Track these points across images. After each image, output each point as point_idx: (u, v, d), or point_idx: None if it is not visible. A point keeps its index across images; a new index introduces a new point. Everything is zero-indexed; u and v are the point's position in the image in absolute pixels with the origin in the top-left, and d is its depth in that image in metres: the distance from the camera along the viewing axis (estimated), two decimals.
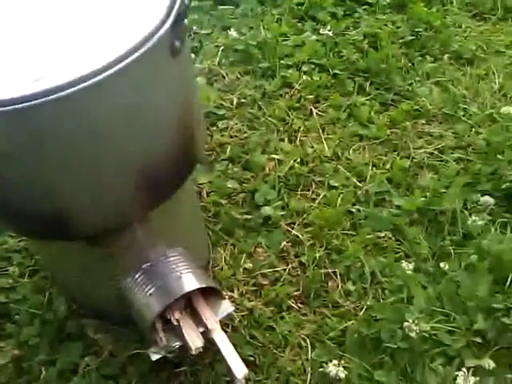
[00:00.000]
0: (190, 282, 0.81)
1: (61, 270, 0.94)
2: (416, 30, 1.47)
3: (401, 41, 1.45)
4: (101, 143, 0.60)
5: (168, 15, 0.58)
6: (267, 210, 1.09)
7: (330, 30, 1.44)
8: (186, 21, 0.60)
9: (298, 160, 1.18)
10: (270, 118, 1.26)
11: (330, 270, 1.01)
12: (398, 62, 1.38)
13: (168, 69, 0.62)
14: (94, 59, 0.53)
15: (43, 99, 0.51)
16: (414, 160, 1.17)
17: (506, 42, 1.46)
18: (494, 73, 1.37)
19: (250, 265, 1.02)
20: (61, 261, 0.89)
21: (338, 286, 0.99)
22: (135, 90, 0.57)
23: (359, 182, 1.14)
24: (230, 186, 1.14)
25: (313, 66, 1.38)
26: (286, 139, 1.23)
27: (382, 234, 1.05)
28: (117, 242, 0.80)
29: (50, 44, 0.56)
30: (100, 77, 0.52)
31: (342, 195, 1.11)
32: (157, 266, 0.83)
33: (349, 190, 1.13)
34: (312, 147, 1.21)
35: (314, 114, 1.29)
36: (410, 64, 1.40)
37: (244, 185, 1.15)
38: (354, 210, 1.09)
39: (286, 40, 1.45)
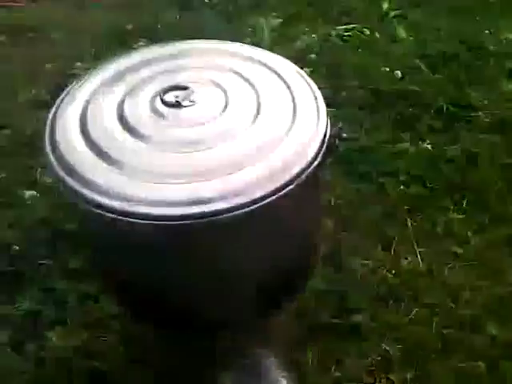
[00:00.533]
0: None
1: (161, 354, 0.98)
2: None
3: (499, 162, 1.46)
4: (239, 264, 0.65)
5: (318, 152, 0.64)
6: (357, 318, 1.09)
7: (428, 144, 1.49)
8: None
9: (392, 270, 1.19)
10: (363, 223, 1.29)
11: None
12: (495, 184, 1.39)
13: (310, 197, 0.67)
14: (251, 188, 0.59)
15: (200, 220, 0.57)
16: (511, 289, 1.15)
17: None
18: None
19: (339, 374, 1.01)
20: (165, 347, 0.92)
21: None
22: (284, 217, 0.63)
23: (453, 303, 1.13)
24: (319, 285, 1.15)
25: (409, 177, 1.41)
26: (380, 246, 1.25)
27: (475, 364, 1.03)
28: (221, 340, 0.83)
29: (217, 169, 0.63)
30: (253, 207, 0.58)
31: (436, 316, 1.10)
32: (260, 366, 0.85)
33: (442, 311, 1.11)
34: (406, 259, 1.22)
35: (409, 224, 1.30)
36: (507, 186, 1.41)
37: (334, 286, 1.16)
38: (446, 333, 1.08)
39: (385, 147, 1.50)
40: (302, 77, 0.76)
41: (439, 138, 1.53)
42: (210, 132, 0.67)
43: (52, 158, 0.65)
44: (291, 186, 0.60)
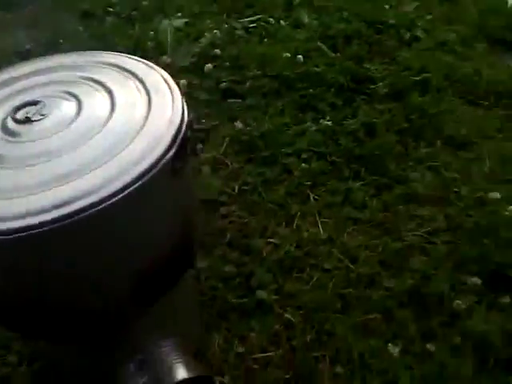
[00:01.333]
0: (180, 371, 0.86)
1: (56, 361, 1.00)
2: (411, 117, 1.56)
3: (396, 128, 1.53)
4: (104, 258, 0.69)
5: (172, 144, 0.68)
6: (262, 294, 1.14)
7: (329, 121, 1.55)
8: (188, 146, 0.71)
9: (294, 244, 1.25)
10: (269, 204, 1.35)
11: (319, 353, 1.04)
12: (392, 149, 1.46)
13: (168, 187, 0.71)
14: (106, 186, 0.63)
15: (62, 223, 0.61)
16: (405, 242, 1.22)
17: (497, 126, 1.53)
18: (484, 156, 1.43)
19: (243, 349, 1.06)
20: (56, 352, 0.95)
21: (326, 369, 1.02)
22: (142, 210, 0.67)
23: (352, 264, 1.19)
24: (227, 269, 1.20)
25: (311, 154, 1.48)
26: (284, 224, 1.31)
27: (372, 316, 1.09)
28: (114, 336, 0.86)
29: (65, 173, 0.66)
30: (112, 200, 0.62)
31: (334, 278, 1.16)
32: (150, 357, 0.88)
33: (341, 273, 1.17)
34: (308, 231, 1.28)
35: (311, 198, 1.36)
36: (404, 150, 1.48)
37: (241, 268, 1.21)
38: (345, 292, 1.14)
39: (288, 129, 1.56)
40: (162, 76, 0.80)
41: (339, 114, 1.60)
42: (58, 142, 0.70)
43: None
44: (144, 179, 0.64)
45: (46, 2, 2.26)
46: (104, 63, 0.86)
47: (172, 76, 1.78)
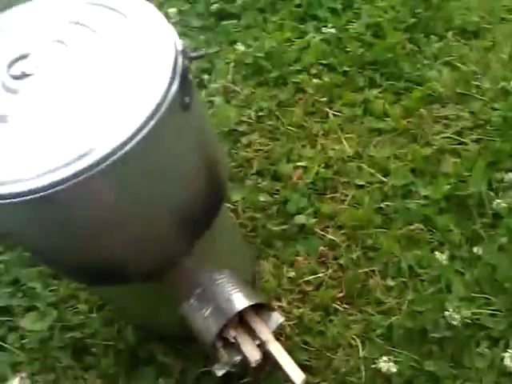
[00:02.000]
0: (239, 301, 0.88)
1: (123, 304, 1.03)
2: (416, 11, 1.49)
3: (403, 25, 1.46)
4: (138, 204, 0.66)
5: (173, 77, 0.63)
6: (301, 219, 1.15)
7: (332, 28, 1.47)
8: (190, 76, 0.65)
9: (322, 164, 1.23)
10: (289, 127, 1.31)
11: (368, 269, 1.07)
12: (403, 49, 1.41)
13: (183, 123, 0.67)
14: (117, 131, 0.58)
15: (85, 175, 0.57)
16: (434, 147, 1.21)
17: (508, 7, 1.46)
18: (500, 42, 1.38)
19: (293, 273, 1.08)
20: (121, 298, 0.97)
21: (378, 284, 1.05)
22: (159, 152, 0.63)
23: (384, 177, 1.19)
24: (262, 199, 1.20)
25: (321, 67, 1.42)
26: (308, 145, 1.28)
27: (414, 227, 1.10)
28: (169, 276, 0.87)
29: (70, 119, 0.61)
30: (127, 147, 0.57)
31: (369, 194, 1.16)
32: (207, 291, 0.90)
33: (375, 187, 1.17)
34: (333, 149, 1.26)
35: (331, 115, 1.33)
36: (416, 48, 1.42)
37: (275, 196, 1.21)
38: (383, 206, 1.14)
39: (292, 45, 1.49)
40: (144, 7, 0.73)
41: (341, 19, 1.51)
42: (59, 94, 0.64)
43: None
44: (157, 116, 0.59)
45: None
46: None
47: (161, 4, 1.68)
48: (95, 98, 0.62)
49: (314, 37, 1.47)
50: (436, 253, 1.03)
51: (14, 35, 0.72)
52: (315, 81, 1.38)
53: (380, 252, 1.08)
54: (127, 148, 0.57)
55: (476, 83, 1.31)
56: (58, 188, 0.54)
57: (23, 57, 0.67)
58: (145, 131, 0.58)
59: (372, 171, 1.20)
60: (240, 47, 1.49)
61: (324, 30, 1.48)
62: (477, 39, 1.42)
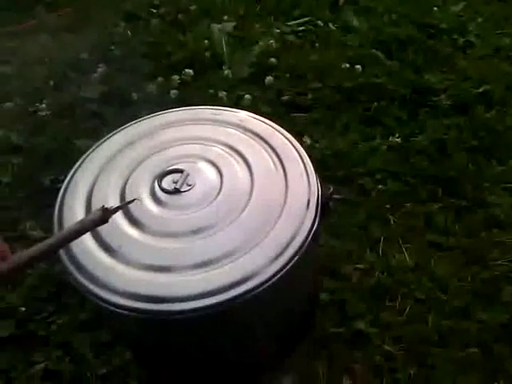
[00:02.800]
0: None
1: None
2: (479, 134, 1.57)
3: (466, 146, 1.54)
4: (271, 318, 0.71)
5: (315, 216, 0.69)
6: (359, 324, 1.17)
7: (398, 137, 1.55)
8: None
9: (382, 270, 1.27)
10: (352, 228, 1.36)
11: None
12: (466, 169, 1.47)
13: (311, 250, 0.72)
14: (267, 266, 0.64)
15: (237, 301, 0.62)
16: (493, 271, 1.25)
17: None
18: None
19: (349, 382, 1.09)
20: None
21: None
22: (292, 281, 0.68)
23: (443, 294, 1.22)
24: (321, 297, 1.22)
25: (385, 174, 1.48)
26: (368, 248, 1.32)
27: (471, 351, 1.12)
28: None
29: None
30: (272, 280, 0.63)
31: (428, 309, 1.19)
32: None
33: (434, 303, 1.20)
34: (394, 257, 1.30)
35: (392, 221, 1.38)
36: (477, 169, 1.49)
37: (334, 295, 1.23)
38: (441, 324, 1.16)
39: (357, 147, 1.56)
40: (286, 138, 0.80)
41: (406, 129, 1.60)
42: (208, 216, 0.70)
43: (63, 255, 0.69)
44: (295, 258, 0.65)
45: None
46: (228, 123, 0.85)
47: (233, 88, 1.78)
48: (242, 228, 0.67)
49: (381, 143, 1.54)
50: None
51: (169, 150, 0.79)
52: (380, 186, 1.44)
53: (436, 371, 1.09)
54: (280, 275, 0.61)
55: None
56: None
57: (176, 171, 0.73)
58: (291, 264, 0.63)
59: (431, 285, 1.23)
60: (307, 140, 1.56)
61: (390, 138, 1.56)
62: None
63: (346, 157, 1.52)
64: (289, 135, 0.81)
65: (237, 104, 1.66)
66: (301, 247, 0.65)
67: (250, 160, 0.75)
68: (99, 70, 1.83)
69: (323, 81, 1.77)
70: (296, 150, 0.78)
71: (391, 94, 1.71)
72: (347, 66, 1.79)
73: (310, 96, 1.72)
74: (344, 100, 1.72)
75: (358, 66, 1.79)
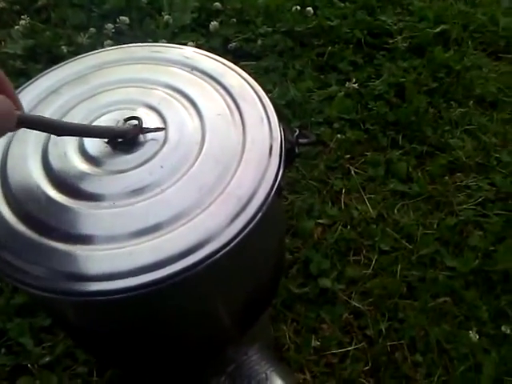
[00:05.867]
0: (276, 381, 0.83)
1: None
2: (438, 75, 1.50)
3: (425, 89, 1.47)
4: (222, 295, 0.61)
5: (279, 163, 0.58)
6: (325, 282, 1.10)
7: (355, 83, 1.46)
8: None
9: (345, 224, 1.20)
10: (310, 181, 1.28)
11: (395, 342, 1.03)
12: (426, 113, 1.41)
13: (276, 209, 0.63)
14: (228, 225, 0.53)
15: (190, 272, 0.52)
16: (459, 217, 1.20)
17: None
18: None
19: (318, 343, 1.03)
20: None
21: (407, 359, 1.01)
22: (259, 239, 0.58)
23: (409, 243, 1.16)
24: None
25: (343, 122, 1.40)
26: (330, 202, 1.25)
27: (441, 300, 1.07)
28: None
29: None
30: (237, 239, 0.52)
31: (394, 260, 1.13)
32: (241, 368, 0.84)
33: (400, 254, 1.14)
34: (357, 209, 1.23)
35: (353, 172, 1.30)
36: (437, 112, 1.43)
37: (296, 254, 1.16)
38: (408, 275, 1.11)
39: (312, 94, 1.46)
40: (242, 77, 0.68)
41: (363, 74, 1.51)
42: (159, 172, 0.59)
43: None
44: (259, 215, 0.55)
45: None
46: (172, 61, 0.72)
47: (175, 36, 1.63)
48: (197, 183, 0.56)
49: (338, 90, 1.45)
50: (470, 332, 1.01)
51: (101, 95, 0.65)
52: (338, 136, 1.35)
53: (407, 324, 1.05)
54: (238, 239, 0.51)
55: (496, 155, 1.32)
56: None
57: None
58: (255, 221, 0.53)
59: (397, 236, 1.17)
60: None
61: (347, 84, 1.46)
62: (495, 110, 1.43)
63: (300, 106, 1.41)
64: (245, 74, 0.68)
65: None
66: (265, 201, 0.54)
67: (200, 103, 0.63)
68: (22, 22, 1.63)
69: (273, 25, 1.64)
70: (254, 90, 0.66)
71: (345, 38, 1.61)
72: (298, 8, 1.67)
73: (259, 42, 1.59)
74: (296, 45, 1.60)
75: (309, 9, 1.67)
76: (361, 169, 1.31)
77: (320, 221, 1.21)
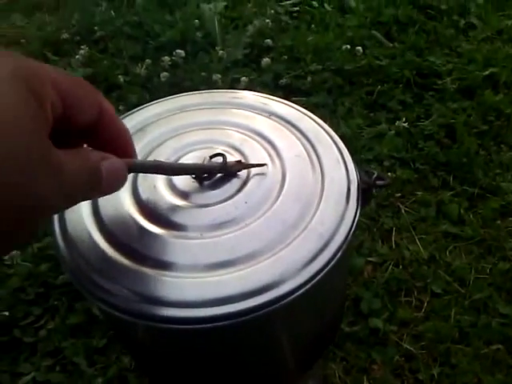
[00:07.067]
0: None
1: None
2: (488, 118, 1.50)
3: (475, 131, 1.47)
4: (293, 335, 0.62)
5: (357, 209, 0.59)
6: (376, 322, 1.09)
7: (405, 122, 1.47)
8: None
9: (396, 263, 1.19)
10: (360, 218, 1.27)
11: None
12: (476, 155, 1.41)
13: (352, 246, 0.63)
14: (308, 264, 0.54)
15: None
16: None
17: None
18: None
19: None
20: None
21: None
22: (337, 274, 0.59)
23: (461, 287, 1.15)
24: None
25: (393, 161, 1.40)
26: (380, 240, 1.25)
27: (495, 347, 1.05)
28: None
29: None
30: (315, 279, 0.53)
31: (448, 304, 1.11)
32: None
33: (453, 297, 1.13)
34: (408, 249, 1.22)
35: (403, 211, 1.30)
36: (488, 155, 1.42)
37: (347, 291, 1.15)
38: (461, 319, 1.10)
39: (362, 131, 1.48)
40: (315, 122, 0.70)
41: (412, 114, 1.52)
42: (238, 209, 0.60)
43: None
44: (340, 253, 0.56)
45: None
46: (250, 107, 0.74)
47: (227, 70, 1.67)
48: (277, 221, 0.57)
49: (388, 129, 1.46)
50: None
51: (184, 135, 0.68)
52: (389, 174, 1.36)
53: (460, 370, 1.02)
54: (322, 275, 0.52)
55: None
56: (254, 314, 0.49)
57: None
58: (336, 258, 0.53)
59: (449, 279, 1.16)
60: None
61: (397, 123, 1.47)
62: None
63: (351, 143, 1.43)
64: (319, 120, 0.70)
65: (232, 88, 1.55)
66: (346, 239, 0.55)
67: (279, 145, 0.65)
68: (81, 51, 1.70)
69: (323, 63, 1.68)
70: (328, 134, 0.68)
71: (394, 77, 1.64)
72: (348, 47, 1.70)
73: (309, 79, 1.63)
74: (345, 83, 1.63)
75: (359, 48, 1.70)
76: (411, 208, 1.31)
77: (370, 259, 1.21)
